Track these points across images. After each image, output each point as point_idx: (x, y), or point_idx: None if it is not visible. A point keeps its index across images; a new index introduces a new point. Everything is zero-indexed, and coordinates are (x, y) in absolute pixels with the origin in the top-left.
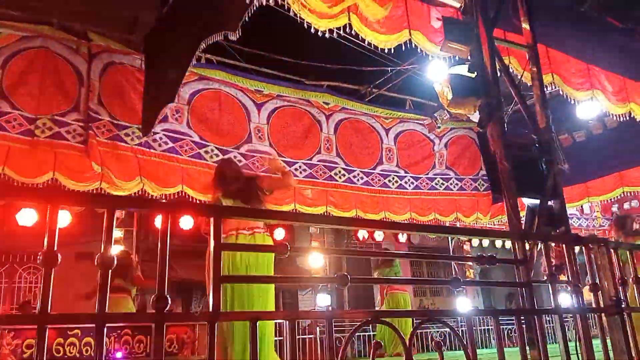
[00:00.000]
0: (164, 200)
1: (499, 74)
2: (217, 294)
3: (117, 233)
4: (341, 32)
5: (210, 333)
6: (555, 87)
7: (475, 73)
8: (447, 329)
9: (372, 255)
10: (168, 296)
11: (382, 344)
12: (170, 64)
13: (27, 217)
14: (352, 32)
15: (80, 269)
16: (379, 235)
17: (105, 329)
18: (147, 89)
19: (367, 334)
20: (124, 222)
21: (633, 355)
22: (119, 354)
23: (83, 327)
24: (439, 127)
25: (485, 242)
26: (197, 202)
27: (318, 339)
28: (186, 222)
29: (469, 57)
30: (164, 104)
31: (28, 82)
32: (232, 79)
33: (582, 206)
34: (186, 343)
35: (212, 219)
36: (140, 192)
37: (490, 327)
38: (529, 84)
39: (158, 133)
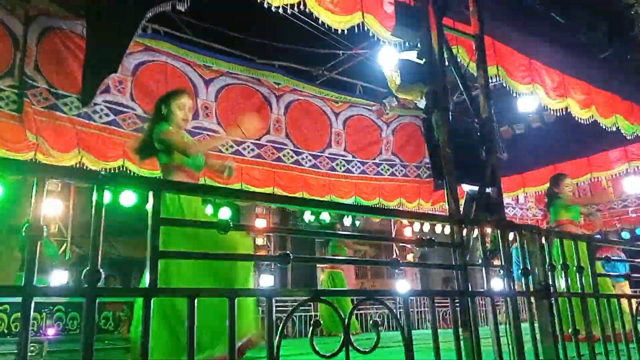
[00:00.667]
0: (102, 172)
1: (446, 62)
2: (154, 269)
3: (53, 206)
4: (295, 10)
5: (146, 308)
6: (500, 79)
7: (424, 60)
8: (386, 311)
9: (316, 235)
10: (101, 270)
11: (322, 322)
12: (113, 31)
13: None
14: (306, 10)
15: (12, 243)
16: (325, 217)
17: (32, 304)
18: (88, 57)
19: (308, 314)
20: (60, 195)
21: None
22: (50, 331)
23: (12, 302)
24: (387, 114)
25: (426, 228)
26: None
27: (259, 319)
28: (127, 198)
29: (418, 44)
30: (106, 74)
31: None
32: (180, 52)
33: (517, 196)
34: (123, 321)
35: (150, 193)
36: (78, 165)
37: (426, 309)
38: (474, 74)
39: (99, 104)
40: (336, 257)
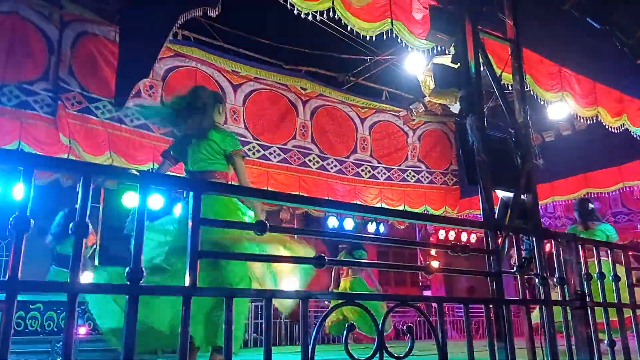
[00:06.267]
0: (147, 172)
1: (481, 67)
2: (193, 269)
3: None
4: (324, 17)
5: (185, 308)
6: (527, 87)
7: (458, 64)
8: (411, 318)
9: (344, 238)
10: (143, 269)
11: (356, 326)
12: (145, 37)
13: None
14: (335, 17)
15: (41, 244)
16: (348, 224)
17: (77, 300)
18: (120, 62)
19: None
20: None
21: (594, 348)
22: (82, 330)
23: (46, 301)
24: (413, 120)
25: (451, 236)
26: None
27: (282, 324)
28: (155, 201)
29: (451, 49)
30: (138, 79)
31: None
32: (209, 58)
33: (546, 205)
34: None
35: (191, 194)
36: None
37: (452, 319)
38: (502, 82)
39: (130, 108)
40: (368, 261)
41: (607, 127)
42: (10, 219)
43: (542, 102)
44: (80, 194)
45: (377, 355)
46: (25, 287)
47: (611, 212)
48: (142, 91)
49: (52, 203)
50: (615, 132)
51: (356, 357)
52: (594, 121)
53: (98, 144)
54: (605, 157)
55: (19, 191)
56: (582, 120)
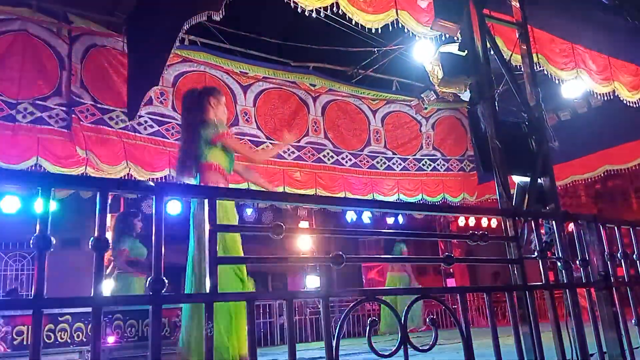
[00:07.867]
0: (161, 183)
1: (489, 52)
2: (214, 275)
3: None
4: (328, 12)
5: (208, 313)
6: (540, 67)
7: (466, 51)
8: (436, 307)
9: (362, 234)
10: (165, 278)
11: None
12: (153, 45)
13: (10, 204)
14: (339, 11)
15: (66, 256)
16: (367, 217)
17: (102, 313)
18: (130, 72)
19: (355, 314)
20: (110, 207)
21: (622, 329)
22: (110, 339)
23: (74, 313)
24: (425, 108)
25: (472, 222)
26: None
27: (308, 320)
28: (173, 207)
29: (458, 36)
30: (148, 87)
31: (7, 66)
32: (217, 61)
33: (566, 184)
34: (177, 326)
35: (206, 201)
36: (126, 177)
37: (477, 305)
38: (513, 64)
39: (143, 116)
40: (389, 256)
41: (624, 101)
42: (32, 238)
43: (556, 81)
44: (98, 209)
45: (402, 349)
46: (51, 303)
47: (633, 187)
48: (153, 99)
49: (73, 215)
50: (633, 106)
51: (380, 352)
52: (610, 97)
53: (114, 154)
54: (623, 132)
55: (38, 208)
56: (597, 97)
